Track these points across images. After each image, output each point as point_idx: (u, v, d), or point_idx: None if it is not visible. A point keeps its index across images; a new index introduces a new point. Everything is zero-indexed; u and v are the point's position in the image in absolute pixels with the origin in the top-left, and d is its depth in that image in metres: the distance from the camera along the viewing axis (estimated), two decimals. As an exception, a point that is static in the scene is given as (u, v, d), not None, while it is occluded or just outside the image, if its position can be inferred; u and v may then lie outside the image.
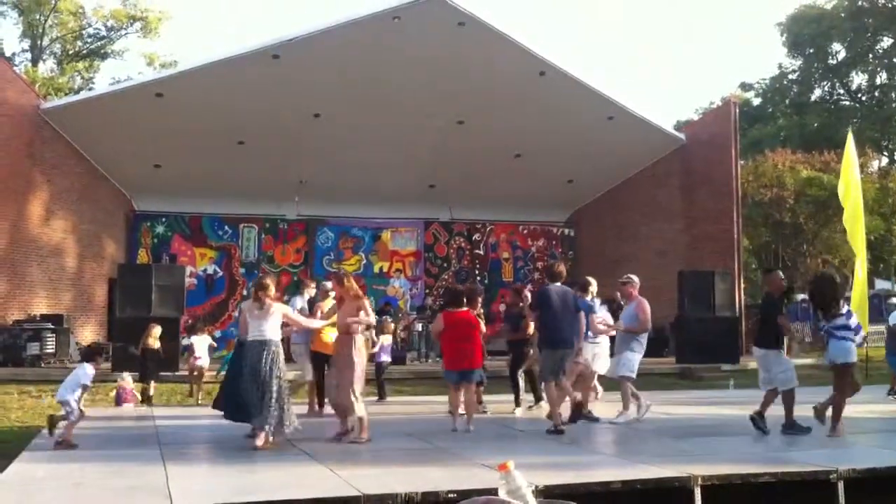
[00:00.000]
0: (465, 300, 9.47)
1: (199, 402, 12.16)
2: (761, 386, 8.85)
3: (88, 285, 19.60)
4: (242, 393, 7.76)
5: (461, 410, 9.19)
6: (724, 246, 20.13)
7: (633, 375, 9.78)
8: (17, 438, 9.36)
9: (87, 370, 7.91)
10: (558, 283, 9.09)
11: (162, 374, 12.85)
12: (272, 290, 8.03)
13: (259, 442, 7.64)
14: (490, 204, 23.23)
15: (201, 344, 12.45)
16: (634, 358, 9.75)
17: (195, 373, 12.35)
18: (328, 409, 9.33)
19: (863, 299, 14.98)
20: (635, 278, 10.14)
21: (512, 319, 10.93)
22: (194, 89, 17.61)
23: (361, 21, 16.65)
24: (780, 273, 9.32)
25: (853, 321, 8.61)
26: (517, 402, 10.71)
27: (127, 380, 12.09)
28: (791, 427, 8.53)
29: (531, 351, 10.85)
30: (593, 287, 10.26)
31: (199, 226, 22.24)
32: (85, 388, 7.99)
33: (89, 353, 8.39)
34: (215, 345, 12.96)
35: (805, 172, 25.16)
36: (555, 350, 8.84)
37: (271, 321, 7.87)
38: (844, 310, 8.66)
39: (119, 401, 11.94)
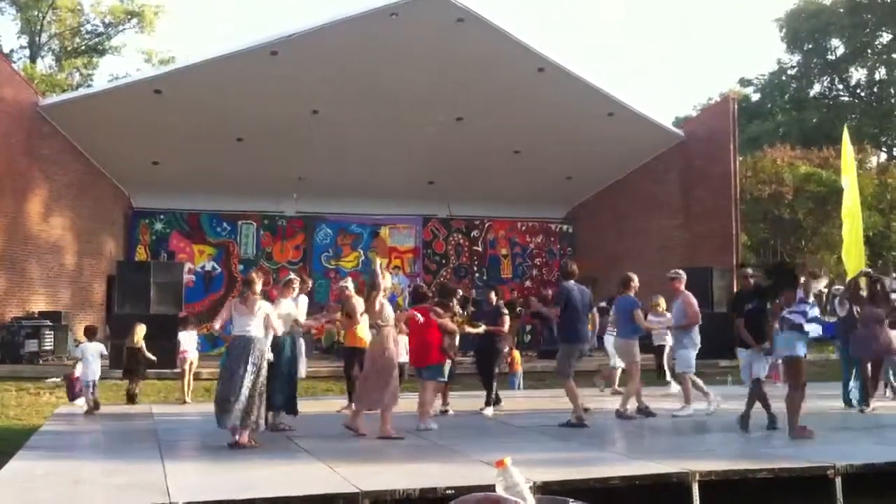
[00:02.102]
0: (426, 297, 9.47)
1: (187, 399, 11.86)
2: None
3: (87, 282, 19.59)
4: (220, 394, 7.77)
5: (438, 406, 9.24)
6: (722, 242, 20.10)
7: (692, 370, 9.98)
8: (16, 436, 9.37)
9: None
10: (572, 281, 9.24)
11: (150, 371, 12.57)
12: (258, 287, 8.03)
13: (241, 439, 7.64)
14: (489, 200, 23.22)
15: (188, 339, 12.39)
16: (689, 354, 9.95)
17: (184, 367, 12.21)
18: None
19: None
20: (682, 273, 10.18)
21: (486, 316, 10.75)
22: (192, 86, 17.58)
23: (359, 17, 16.61)
24: (748, 271, 9.29)
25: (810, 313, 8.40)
26: (490, 401, 10.42)
27: (78, 369, 11.23)
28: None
29: (506, 349, 10.83)
30: (635, 282, 10.15)
31: (197, 222, 22.23)
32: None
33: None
34: (199, 343, 12.82)
35: (804, 168, 25.14)
36: (575, 345, 9.10)
37: (256, 318, 7.85)
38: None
39: (71, 394, 11.16)
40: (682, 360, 9.97)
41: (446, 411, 10.16)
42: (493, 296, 11.22)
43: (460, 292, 10.65)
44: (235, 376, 7.71)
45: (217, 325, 8.56)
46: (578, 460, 6.85)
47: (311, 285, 11.22)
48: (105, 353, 11.61)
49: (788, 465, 6.52)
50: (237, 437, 7.64)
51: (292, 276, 9.54)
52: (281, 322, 8.33)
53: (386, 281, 8.66)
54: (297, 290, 9.09)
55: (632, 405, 9.75)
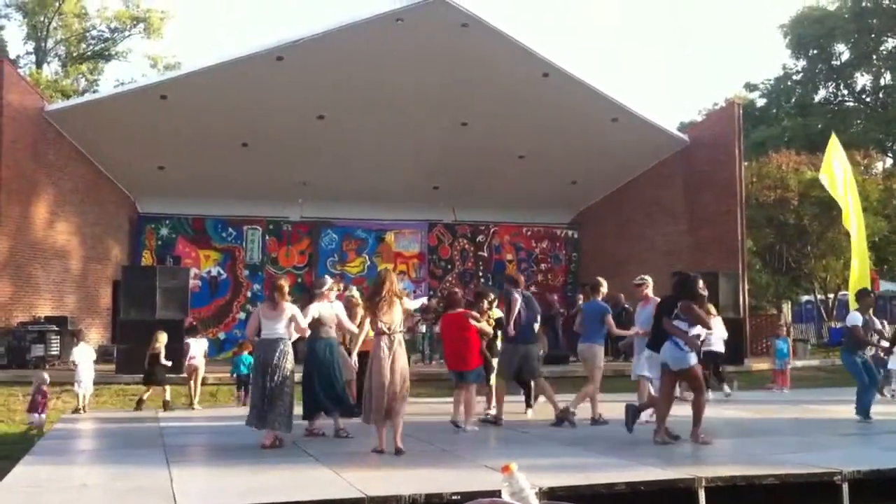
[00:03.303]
0: (459, 302, 9.64)
1: (195, 405, 12.00)
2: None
3: (93, 287, 19.62)
4: (256, 399, 8.00)
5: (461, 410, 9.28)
6: (728, 247, 20.08)
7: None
8: (22, 440, 9.40)
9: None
10: (520, 289, 9.95)
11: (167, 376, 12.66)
12: (287, 292, 8.20)
13: (266, 441, 7.78)
14: (494, 205, 23.22)
15: (197, 346, 12.46)
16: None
17: (191, 373, 12.29)
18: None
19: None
20: (649, 279, 10.15)
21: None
22: (198, 91, 17.63)
23: (364, 23, 16.65)
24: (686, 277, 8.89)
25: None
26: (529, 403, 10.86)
27: (45, 379, 11.01)
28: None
29: (540, 351, 10.87)
30: (604, 287, 10.34)
31: (202, 228, 22.24)
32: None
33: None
34: (206, 349, 12.88)
35: (809, 174, 25.04)
36: (516, 346, 9.75)
37: (284, 322, 8.07)
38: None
39: (33, 407, 10.55)
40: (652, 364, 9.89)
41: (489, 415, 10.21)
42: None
43: (492, 295, 10.74)
44: (259, 380, 7.98)
45: (249, 332, 8.72)
46: (584, 466, 6.84)
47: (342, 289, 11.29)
48: (93, 355, 11.92)
49: (795, 471, 6.50)
50: (266, 440, 7.86)
51: (330, 281, 9.58)
52: (322, 322, 8.55)
53: (407, 303, 8.24)
54: (334, 296, 9.14)
55: (582, 408, 9.86)
